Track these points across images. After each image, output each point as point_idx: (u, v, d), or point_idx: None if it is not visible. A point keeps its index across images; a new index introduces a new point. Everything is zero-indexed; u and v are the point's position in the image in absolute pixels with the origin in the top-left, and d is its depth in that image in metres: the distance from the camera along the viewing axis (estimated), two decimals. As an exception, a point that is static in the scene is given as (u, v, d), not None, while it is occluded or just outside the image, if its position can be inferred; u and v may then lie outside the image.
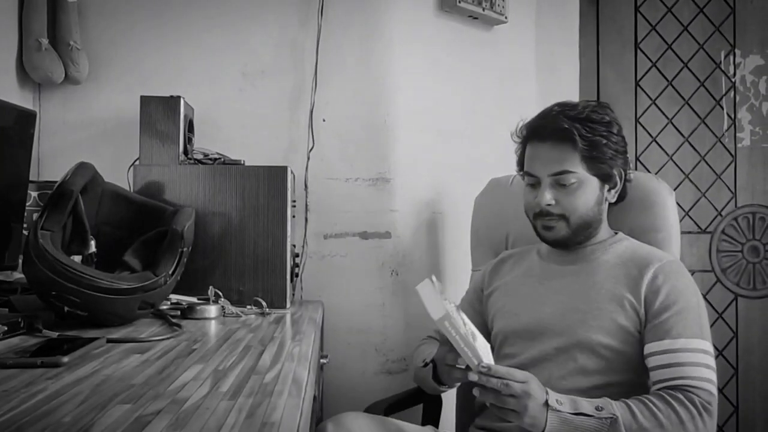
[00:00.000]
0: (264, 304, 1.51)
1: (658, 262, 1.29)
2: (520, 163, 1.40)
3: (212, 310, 1.43)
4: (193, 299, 1.49)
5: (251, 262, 1.59)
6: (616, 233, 1.41)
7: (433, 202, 1.96)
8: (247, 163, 1.65)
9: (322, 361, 1.59)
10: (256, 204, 1.59)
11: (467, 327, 1.09)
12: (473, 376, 1.07)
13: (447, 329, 1.04)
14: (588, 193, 1.32)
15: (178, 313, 1.42)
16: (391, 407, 1.53)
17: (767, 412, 2.32)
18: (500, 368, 1.07)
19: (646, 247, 1.37)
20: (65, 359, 0.89)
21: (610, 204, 1.42)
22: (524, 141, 1.38)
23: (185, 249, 1.35)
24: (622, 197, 1.42)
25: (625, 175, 1.39)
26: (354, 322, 1.85)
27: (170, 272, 1.31)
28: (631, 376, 1.26)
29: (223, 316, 1.45)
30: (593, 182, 1.32)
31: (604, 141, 1.30)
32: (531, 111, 2.14)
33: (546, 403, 1.09)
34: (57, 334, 1.08)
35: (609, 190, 1.36)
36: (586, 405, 1.12)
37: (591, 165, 1.31)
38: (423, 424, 1.59)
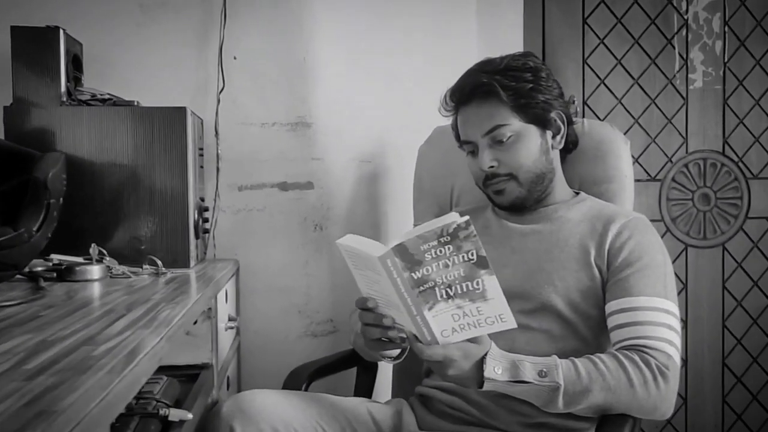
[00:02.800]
0: (159, 263, 1.33)
1: (624, 218, 1.21)
2: (457, 136, 1.29)
3: (95, 270, 1.25)
4: (78, 259, 1.31)
5: (149, 217, 1.42)
6: (578, 193, 1.32)
7: (361, 150, 1.79)
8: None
9: (230, 324, 1.44)
10: (151, 151, 1.42)
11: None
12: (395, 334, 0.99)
13: (389, 269, 0.88)
14: (529, 143, 1.22)
15: (54, 275, 1.24)
16: (319, 371, 1.39)
17: (716, 363, 2.25)
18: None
19: (611, 205, 1.30)
20: None
21: (562, 154, 1.32)
22: (454, 111, 1.28)
23: (53, 201, 1.16)
24: (574, 144, 1.33)
25: (568, 117, 1.28)
26: (274, 282, 1.69)
27: (35, 228, 1.13)
28: (600, 341, 1.18)
29: (110, 277, 1.28)
30: (531, 130, 1.22)
31: (530, 86, 1.20)
32: (470, 53, 2.00)
33: (480, 367, 0.99)
34: None
35: (554, 137, 1.26)
36: (529, 370, 1.01)
37: (523, 113, 1.21)
38: (356, 390, 1.46)
